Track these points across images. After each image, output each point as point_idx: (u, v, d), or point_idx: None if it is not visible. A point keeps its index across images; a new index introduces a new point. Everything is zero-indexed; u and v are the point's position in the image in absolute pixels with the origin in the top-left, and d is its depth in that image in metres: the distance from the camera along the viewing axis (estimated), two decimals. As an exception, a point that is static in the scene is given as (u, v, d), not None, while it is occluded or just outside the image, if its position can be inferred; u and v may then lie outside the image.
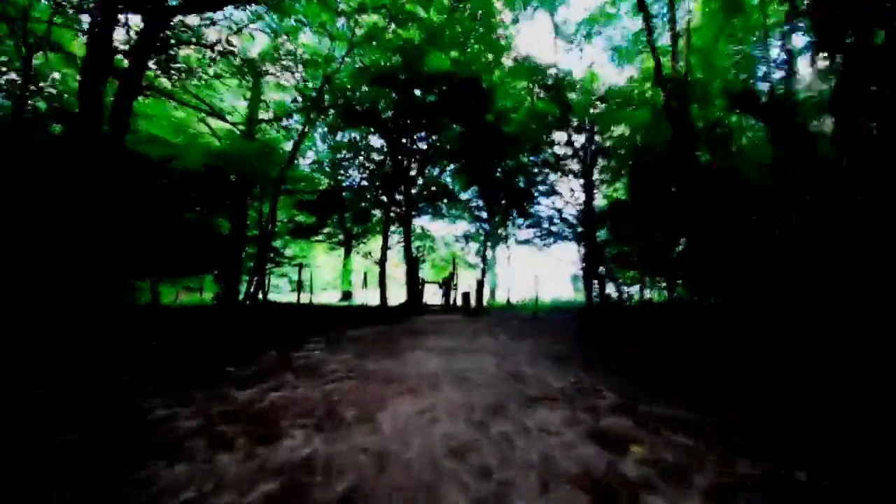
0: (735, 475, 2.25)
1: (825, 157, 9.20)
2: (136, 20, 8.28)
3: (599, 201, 16.73)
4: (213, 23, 9.12)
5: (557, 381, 4.26)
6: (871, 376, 4.64)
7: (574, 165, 16.52)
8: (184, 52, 11.85)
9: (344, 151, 17.79)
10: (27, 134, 7.64)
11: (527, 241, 21.70)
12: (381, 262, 16.24)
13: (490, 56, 14.24)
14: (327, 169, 19.16)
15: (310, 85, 13.35)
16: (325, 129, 15.29)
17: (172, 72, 9.86)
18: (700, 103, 10.18)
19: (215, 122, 15.09)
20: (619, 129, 15.85)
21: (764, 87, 14.00)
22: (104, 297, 10.36)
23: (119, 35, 8.63)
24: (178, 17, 9.00)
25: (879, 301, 6.44)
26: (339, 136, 18.28)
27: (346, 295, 24.63)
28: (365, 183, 18.69)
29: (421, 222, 23.31)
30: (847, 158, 8.33)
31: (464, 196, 21.40)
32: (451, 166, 19.13)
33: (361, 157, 18.51)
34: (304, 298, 19.62)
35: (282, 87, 15.85)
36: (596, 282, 15.55)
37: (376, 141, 18.37)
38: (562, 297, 26.26)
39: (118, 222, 10.49)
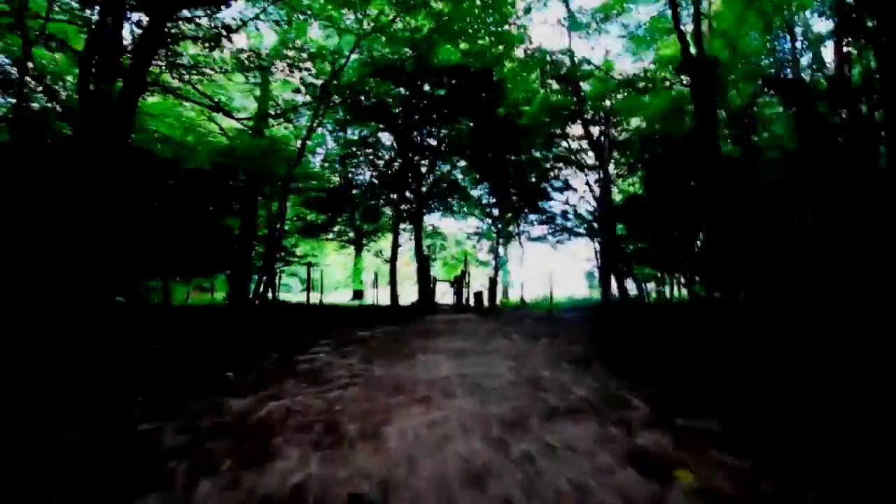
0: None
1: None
2: (136, 15, 8.08)
3: (615, 196, 16.21)
4: (216, 17, 8.89)
5: (580, 388, 3.90)
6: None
7: (588, 159, 16.04)
8: (192, 50, 11.73)
9: (353, 148, 17.55)
10: (27, 132, 7.52)
11: (540, 238, 21.25)
12: (392, 261, 15.99)
13: (501, 47, 13.84)
14: (337, 167, 18.96)
15: (317, 82, 13.10)
16: (334, 126, 15.03)
17: (178, 68, 9.68)
18: (723, 89, 9.65)
19: (226, 122, 14.97)
20: (635, 122, 15.32)
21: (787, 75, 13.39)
22: (107, 296, 10.28)
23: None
24: (183, 13, 8.81)
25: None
26: (348, 133, 18.07)
27: (357, 294, 24.44)
28: (375, 180, 18.45)
29: (432, 220, 23.02)
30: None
31: (475, 193, 21.04)
32: (462, 162, 18.77)
33: (371, 155, 18.27)
34: (315, 298, 19.49)
35: (290, 85, 15.66)
36: (613, 279, 15.08)
37: (386, 138, 18.11)
38: (576, 295, 25.72)
39: (124, 222, 10.38)
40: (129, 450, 2.45)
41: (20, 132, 7.56)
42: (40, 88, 8.89)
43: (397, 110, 15.40)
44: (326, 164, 19.13)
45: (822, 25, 13.51)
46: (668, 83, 12.85)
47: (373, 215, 17.83)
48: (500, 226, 19.84)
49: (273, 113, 13.58)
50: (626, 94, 13.78)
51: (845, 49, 12.93)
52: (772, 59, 10.59)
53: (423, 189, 18.02)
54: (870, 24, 10.71)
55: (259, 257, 15.53)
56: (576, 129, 15.56)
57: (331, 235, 18.66)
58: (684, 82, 10.53)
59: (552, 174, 17.41)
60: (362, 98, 13.45)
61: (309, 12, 11.18)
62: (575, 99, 13.86)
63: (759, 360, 5.43)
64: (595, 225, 17.00)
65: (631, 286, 15.12)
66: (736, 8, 9.30)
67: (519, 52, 14.28)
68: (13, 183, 6.60)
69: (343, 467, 2.19)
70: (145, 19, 8.22)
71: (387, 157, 18.52)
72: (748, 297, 9.04)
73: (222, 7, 9.08)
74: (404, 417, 2.96)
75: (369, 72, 12.64)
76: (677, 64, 10.78)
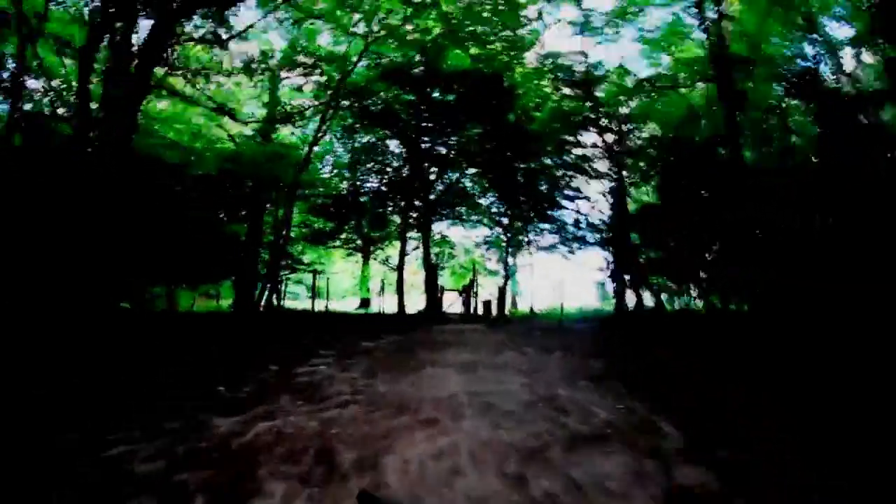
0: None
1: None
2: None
3: (628, 205, 15.77)
4: (225, 21, 8.77)
5: (602, 410, 3.53)
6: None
7: (601, 167, 15.67)
8: (200, 54, 11.66)
9: (361, 155, 17.37)
10: (27, 133, 7.40)
11: (550, 248, 20.80)
12: (399, 269, 15.69)
13: (512, 52, 13.61)
14: (346, 173, 18.80)
15: (325, 86, 12.95)
16: (342, 132, 14.87)
17: (182, 71, 9.56)
18: (750, 88, 9.29)
19: (234, 128, 14.90)
20: (649, 129, 14.95)
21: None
22: (111, 302, 10.09)
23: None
24: (190, 15, 8.71)
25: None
26: (356, 141, 17.92)
27: (365, 302, 24.13)
28: (383, 188, 18.23)
29: (440, 228, 22.68)
30: None
31: (484, 201, 20.71)
32: (471, 170, 18.50)
33: (379, 162, 18.08)
34: (321, 306, 19.23)
35: (299, 93, 15.57)
36: (630, 290, 14.61)
37: (394, 145, 17.93)
38: (587, 305, 25.15)
39: (128, 226, 10.23)
40: (86, 479, 2.13)
41: (20, 133, 7.44)
42: (43, 88, 8.82)
43: (406, 116, 15.21)
44: (335, 172, 19.01)
45: (842, 32, 13.10)
46: (686, 86, 12.47)
47: (380, 223, 17.58)
48: (509, 235, 19.46)
49: (280, 117, 13.41)
50: (641, 98, 13.42)
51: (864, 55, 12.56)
52: (793, 64, 10.21)
53: (432, 197, 17.75)
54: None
55: (266, 265, 15.33)
56: (588, 137, 15.27)
57: (338, 243, 18.41)
58: (710, 76, 10.02)
59: (563, 182, 17.05)
60: (370, 103, 13.26)
61: (319, 17, 11.05)
62: (588, 105, 13.53)
63: (778, 372, 5.00)
64: (607, 234, 16.56)
65: (646, 297, 14.64)
66: (759, 8, 8.97)
67: (530, 57, 14.09)
68: (14, 184, 6.44)
69: (333, 510, 1.86)
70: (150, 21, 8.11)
71: (395, 164, 18.34)
72: (754, 302, 8.57)
73: (229, 11, 8.98)
74: (408, 444, 2.62)
75: (378, 75, 12.45)
76: (699, 65, 10.43)
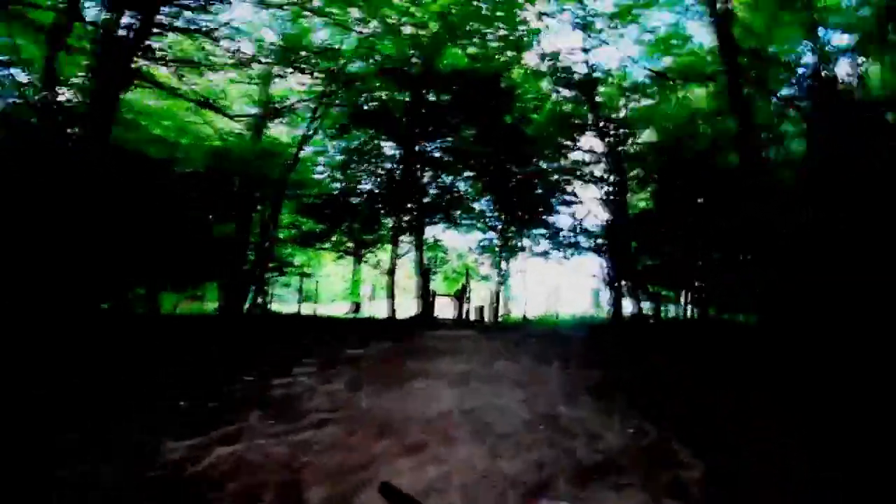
0: None
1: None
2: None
3: (621, 212, 15.50)
4: (210, 4, 8.36)
5: (610, 432, 3.17)
6: None
7: (598, 172, 15.44)
8: (189, 48, 11.23)
9: (354, 156, 16.97)
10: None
11: (545, 254, 20.53)
12: (391, 273, 15.29)
13: (510, 53, 13.35)
14: (338, 175, 18.39)
15: (319, 82, 12.55)
16: (335, 131, 14.45)
17: (166, 62, 9.14)
18: (763, 84, 9.02)
19: (222, 124, 14.45)
20: (647, 134, 14.74)
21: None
22: (89, 304, 9.59)
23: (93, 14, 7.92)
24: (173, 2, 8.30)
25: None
26: (350, 142, 17.55)
27: (356, 306, 23.66)
28: (376, 190, 17.84)
29: (433, 232, 22.32)
30: None
31: (478, 206, 20.41)
32: (466, 173, 18.19)
33: (372, 164, 17.70)
34: (310, 309, 18.74)
35: (292, 92, 15.16)
36: (626, 297, 14.33)
37: (388, 147, 17.59)
38: (581, 312, 24.89)
39: (107, 224, 9.78)
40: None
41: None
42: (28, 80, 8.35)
43: (400, 116, 14.87)
44: (327, 173, 18.59)
45: (839, 40, 12.98)
46: (681, 94, 12.29)
47: (372, 225, 17.16)
48: (503, 239, 19.14)
49: (269, 112, 12.94)
50: (641, 101, 13.17)
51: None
52: (796, 69, 10.05)
53: (425, 200, 17.40)
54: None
55: (252, 266, 14.85)
56: (586, 141, 15.02)
57: (328, 245, 17.95)
58: (712, 74, 9.72)
59: (559, 187, 16.79)
60: (364, 101, 12.86)
61: (313, 12, 10.67)
62: (588, 108, 13.26)
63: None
64: (603, 240, 16.31)
65: (644, 304, 14.38)
66: (768, 8, 8.73)
67: (529, 58, 13.83)
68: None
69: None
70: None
71: (388, 166, 17.96)
72: (758, 306, 8.32)
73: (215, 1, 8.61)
74: (390, 476, 2.23)
75: (374, 72, 12.04)
76: (701, 66, 10.17)
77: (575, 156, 15.76)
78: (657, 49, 11.86)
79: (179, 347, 6.60)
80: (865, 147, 6.92)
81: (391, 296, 15.00)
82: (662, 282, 13.62)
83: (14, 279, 7.22)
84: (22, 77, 8.86)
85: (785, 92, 9.63)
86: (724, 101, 9.09)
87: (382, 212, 18.13)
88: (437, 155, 16.81)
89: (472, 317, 16.59)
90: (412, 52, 12.23)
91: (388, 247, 18.65)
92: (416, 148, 16.29)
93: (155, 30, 8.38)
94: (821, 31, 12.49)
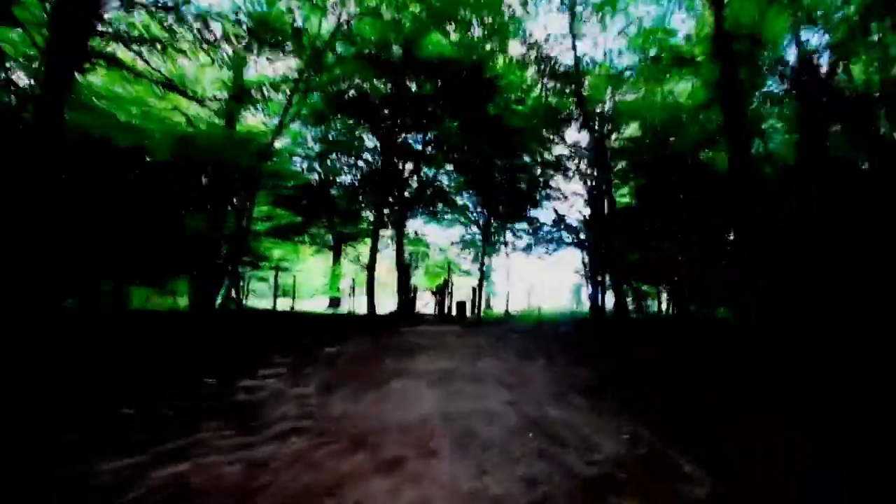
0: None
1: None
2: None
3: (607, 206, 15.43)
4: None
5: (604, 438, 2.93)
6: None
7: (581, 166, 15.29)
8: (155, 28, 10.51)
9: (332, 147, 16.40)
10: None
11: (527, 249, 20.40)
12: (370, 268, 14.84)
13: (495, 42, 13.00)
14: (316, 166, 17.78)
15: (294, 67, 11.97)
16: (312, 119, 13.83)
17: (127, 42, 8.47)
18: (756, 72, 8.87)
19: (196, 111, 13.73)
20: (632, 129, 14.65)
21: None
22: (49, 301, 8.96)
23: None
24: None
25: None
26: (328, 133, 16.98)
27: (334, 302, 23.13)
28: (355, 182, 17.33)
29: (414, 226, 21.97)
30: None
31: (460, 200, 20.12)
32: (448, 167, 17.85)
33: (352, 155, 17.18)
34: (287, 305, 18.16)
35: (266, 78, 14.48)
36: (609, 292, 14.26)
37: (369, 140, 17.10)
38: (562, 307, 24.98)
39: (68, 216, 9.19)
40: None
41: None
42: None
43: (379, 104, 14.38)
44: (305, 164, 17.97)
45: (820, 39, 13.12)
46: (667, 88, 12.22)
47: (352, 218, 16.66)
48: (485, 234, 18.91)
49: (238, 93, 12.22)
50: (627, 94, 13.02)
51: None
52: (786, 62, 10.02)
53: (407, 194, 17.00)
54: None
55: (228, 260, 14.22)
56: (570, 134, 14.84)
57: (306, 239, 17.38)
58: (701, 61, 9.53)
59: (542, 181, 16.61)
60: (343, 88, 12.32)
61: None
62: (574, 100, 13.03)
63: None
64: (586, 236, 16.25)
65: (614, 299, 14.40)
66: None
67: (515, 47, 13.51)
68: None
69: None
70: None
71: (368, 158, 17.47)
72: (760, 301, 8.32)
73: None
74: (361, 501, 1.92)
75: (353, 55, 11.46)
76: (688, 53, 10.05)
77: (559, 150, 15.58)
78: (644, 41, 11.72)
79: (140, 347, 6.10)
80: (858, 137, 6.91)
81: (370, 291, 14.58)
82: (645, 277, 13.59)
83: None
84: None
85: (772, 88, 9.56)
86: (712, 92, 8.99)
87: (362, 205, 17.67)
88: (418, 147, 16.42)
89: (454, 312, 16.32)
90: (393, 35, 11.71)
91: (369, 241, 18.21)
92: (397, 140, 15.86)
93: (113, 2, 7.72)
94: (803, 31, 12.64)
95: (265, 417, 3.14)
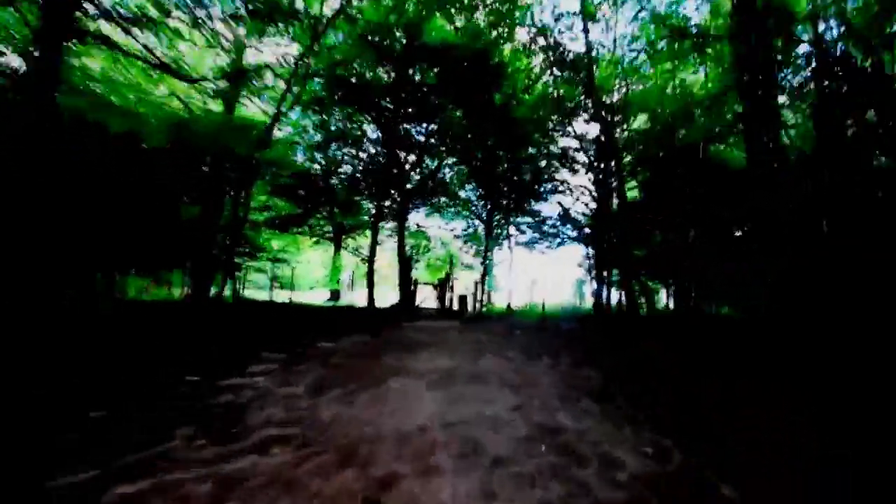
0: None
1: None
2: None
3: (617, 199, 15.00)
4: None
5: (625, 451, 2.61)
6: None
7: (587, 159, 14.87)
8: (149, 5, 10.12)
9: (334, 137, 16.00)
10: None
11: (530, 243, 20.06)
12: (370, 260, 14.54)
13: (501, 28, 12.56)
14: (318, 156, 17.40)
15: (293, 50, 11.56)
16: (312, 106, 13.42)
17: (116, 19, 8.08)
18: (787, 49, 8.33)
19: (195, 102, 13.38)
20: (641, 120, 14.23)
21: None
22: (39, 292, 8.69)
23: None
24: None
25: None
26: (329, 123, 16.58)
27: (334, 294, 22.86)
28: (357, 174, 16.97)
29: (416, 219, 21.63)
30: None
31: (463, 193, 19.76)
32: (451, 159, 17.47)
33: (353, 146, 16.80)
34: (285, 297, 17.90)
35: (266, 66, 14.07)
36: (616, 288, 13.91)
37: (370, 130, 16.71)
38: (565, 302, 24.67)
39: (51, 204, 8.88)
40: None
41: None
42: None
43: (383, 98, 13.98)
44: (306, 155, 17.59)
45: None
46: (678, 80, 11.78)
47: (352, 209, 16.29)
48: (488, 228, 18.56)
49: (234, 75, 11.78)
50: (637, 81, 12.58)
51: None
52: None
53: (408, 186, 16.65)
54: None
55: (224, 251, 13.92)
56: (578, 126, 14.39)
57: (305, 230, 17.03)
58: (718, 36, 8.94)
59: (547, 174, 16.20)
60: (344, 73, 11.88)
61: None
62: (582, 89, 12.58)
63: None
64: (591, 230, 15.87)
65: (622, 295, 14.06)
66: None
67: (522, 35, 13.05)
68: None
69: None
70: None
71: (370, 149, 17.10)
72: (769, 297, 8.00)
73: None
74: (346, 535, 1.60)
75: (355, 36, 11.00)
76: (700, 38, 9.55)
77: (565, 142, 15.15)
78: (656, 27, 11.23)
79: (125, 341, 5.80)
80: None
81: (370, 284, 14.28)
82: (650, 272, 13.24)
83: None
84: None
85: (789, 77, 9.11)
86: (728, 79, 8.55)
87: (363, 196, 17.30)
88: (421, 138, 16.03)
89: (455, 307, 16.03)
90: (394, 18, 11.24)
91: (369, 233, 17.89)
92: (400, 130, 15.47)
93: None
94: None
95: (247, 422, 2.83)
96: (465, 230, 22.43)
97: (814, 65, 7.83)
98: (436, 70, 12.55)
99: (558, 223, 16.93)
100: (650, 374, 5.38)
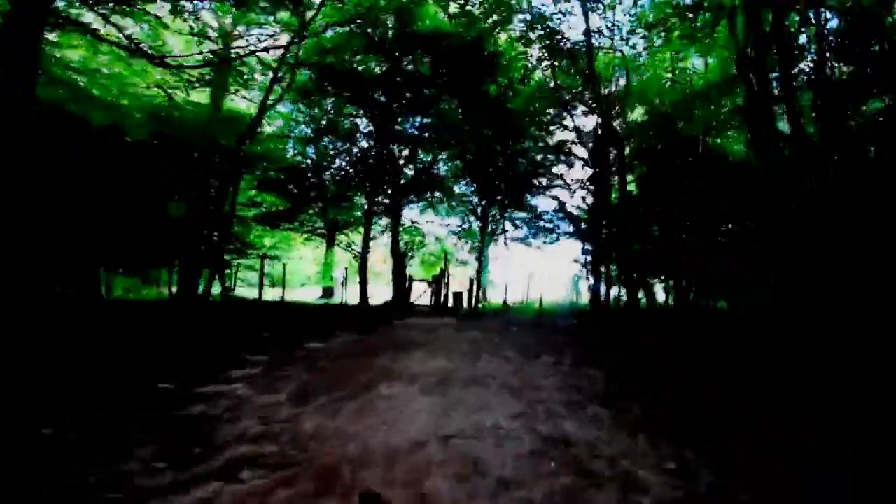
0: None
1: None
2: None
3: (619, 191, 14.68)
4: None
5: (646, 468, 2.32)
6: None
7: (583, 152, 14.58)
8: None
9: (324, 129, 15.56)
10: None
11: (525, 238, 19.79)
12: (363, 256, 14.19)
13: (496, 16, 12.19)
14: (309, 151, 16.96)
15: (281, 37, 11.12)
16: (300, 96, 12.96)
17: (91, 5, 7.62)
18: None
19: (178, 93, 12.91)
20: (636, 114, 13.95)
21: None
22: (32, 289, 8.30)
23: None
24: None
25: None
26: (321, 116, 16.16)
27: (327, 292, 22.45)
28: (349, 168, 16.55)
29: (410, 215, 21.26)
30: None
31: (458, 188, 19.42)
32: (445, 153, 17.11)
33: (345, 141, 16.38)
34: (276, 295, 17.50)
35: (254, 59, 13.60)
36: (617, 283, 13.67)
37: (363, 125, 16.31)
38: (561, 298, 24.46)
39: (40, 200, 8.51)
40: None
41: None
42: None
43: (375, 91, 13.56)
44: (296, 150, 17.14)
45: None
46: (677, 71, 11.51)
47: (344, 205, 15.89)
48: (484, 222, 18.24)
49: (220, 61, 11.27)
50: (638, 69, 12.25)
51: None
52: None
53: (402, 181, 16.28)
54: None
55: (212, 248, 13.49)
56: (576, 118, 14.08)
57: (296, 225, 16.59)
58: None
59: (543, 168, 15.89)
60: (334, 62, 11.43)
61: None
62: (581, 79, 12.22)
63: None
64: (588, 225, 15.61)
65: (621, 290, 13.83)
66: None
67: (518, 24, 12.65)
68: None
69: None
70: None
71: (363, 143, 16.70)
72: (773, 295, 7.80)
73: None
74: None
75: (344, 19, 10.50)
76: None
77: (561, 136, 14.84)
78: (656, 14, 10.89)
79: (98, 344, 5.43)
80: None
81: (363, 281, 13.93)
82: (650, 267, 13.00)
83: None
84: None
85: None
86: (731, 66, 8.24)
87: (357, 191, 16.89)
88: (415, 132, 15.64)
89: (450, 303, 15.72)
90: (384, 2, 10.78)
91: (362, 229, 17.52)
92: (393, 124, 15.08)
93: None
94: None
95: (218, 438, 2.50)
96: (459, 226, 22.11)
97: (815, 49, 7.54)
98: (428, 59, 12.16)
99: (555, 218, 16.64)
100: (653, 374, 5.12)
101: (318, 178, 14.98)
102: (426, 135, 15.71)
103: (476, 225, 20.61)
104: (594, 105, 12.64)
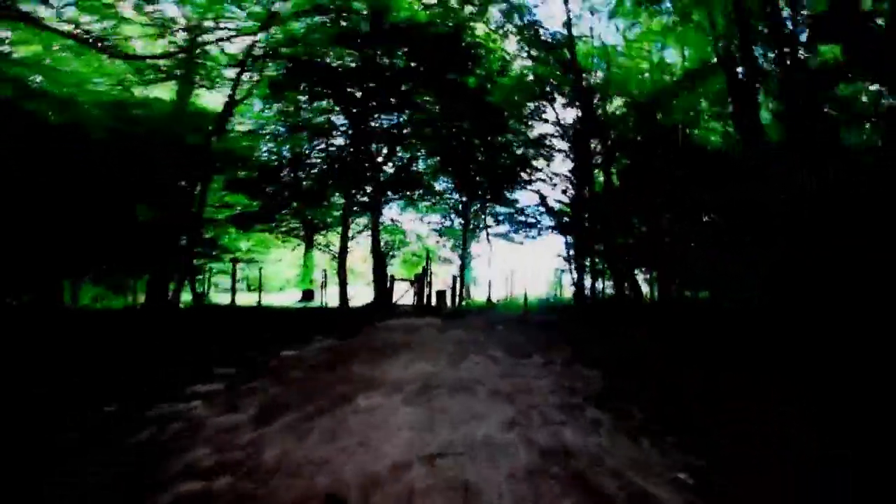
0: None
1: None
2: None
3: (604, 182, 14.56)
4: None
5: (655, 481, 2.05)
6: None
7: (564, 145, 14.46)
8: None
9: (299, 128, 14.98)
10: None
11: (508, 235, 19.61)
12: (341, 257, 13.72)
13: (473, 8, 11.88)
14: (285, 151, 16.34)
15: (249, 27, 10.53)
16: (270, 90, 12.36)
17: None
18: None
19: (142, 93, 12.22)
20: (616, 104, 13.85)
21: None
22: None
23: None
24: None
25: None
26: (299, 116, 15.56)
27: (307, 294, 21.83)
28: (325, 166, 16.03)
29: (390, 213, 20.83)
30: None
31: (438, 185, 19.10)
32: (424, 149, 16.75)
33: (321, 139, 15.85)
34: (251, 299, 16.87)
35: (221, 55, 12.93)
36: (602, 277, 13.56)
37: (338, 121, 15.80)
38: (546, 293, 24.40)
39: None
40: None
41: None
42: None
43: (350, 86, 13.10)
44: (271, 147, 16.50)
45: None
46: (656, 59, 11.41)
47: (320, 203, 15.36)
48: (466, 218, 17.98)
49: (181, 50, 10.56)
50: (617, 59, 12.12)
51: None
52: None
53: (381, 178, 15.85)
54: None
55: (182, 252, 12.82)
56: (557, 110, 13.86)
57: (272, 228, 15.99)
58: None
59: (523, 161, 15.70)
60: (302, 51, 10.87)
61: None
62: (560, 70, 12.02)
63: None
64: (570, 218, 15.49)
65: (605, 283, 13.75)
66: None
67: (496, 15, 12.38)
68: None
69: None
70: None
71: (340, 141, 16.20)
72: (762, 287, 7.74)
73: None
74: None
75: (313, 6, 9.95)
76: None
77: (543, 128, 14.65)
78: (627, 14, 10.77)
79: (48, 360, 4.92)
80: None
81: (342, 282, 13.48)
82: (634, 259, 12.94)
83: None
84: None
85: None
86: (712, 55, 8.14)
87: (334, 190, 16.38)
88: (393, 128, 15.20)
89: (433, 302, 15.40)
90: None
91: (340, 228, 17.02)
92: (370, 121, 14.63)
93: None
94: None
95: (161, 473, 2.12)
96: (441, 223, 21.80)
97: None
98: (404, 51, 11.76)
99: (536, 212, 16.48)
100: (646, 370, 4.91)
101: (292, 177, 14.43)
102: (405, 130, 15.32)
103: (458, 222, 20.33)
104: (575, 97, 12.46)
